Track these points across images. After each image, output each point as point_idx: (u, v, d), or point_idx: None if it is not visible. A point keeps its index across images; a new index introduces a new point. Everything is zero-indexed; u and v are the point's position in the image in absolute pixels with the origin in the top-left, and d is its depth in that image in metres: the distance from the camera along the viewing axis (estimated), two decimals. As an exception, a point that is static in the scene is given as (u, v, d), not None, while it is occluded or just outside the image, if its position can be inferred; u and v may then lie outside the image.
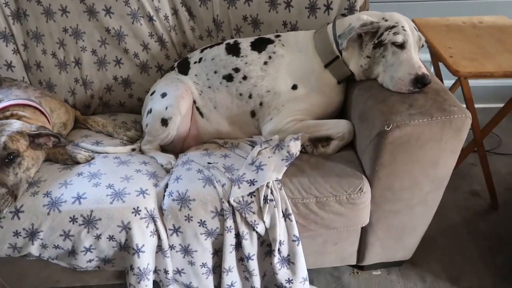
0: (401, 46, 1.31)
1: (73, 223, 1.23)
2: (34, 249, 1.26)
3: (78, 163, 1.42)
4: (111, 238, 1.25)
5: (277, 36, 1.56)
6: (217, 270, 1.39)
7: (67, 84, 1.82)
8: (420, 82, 1.25)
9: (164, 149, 1.62)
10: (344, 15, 1.60)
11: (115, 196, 1.26)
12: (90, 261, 1.30)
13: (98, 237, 1.24)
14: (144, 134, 1.62)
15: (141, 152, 1.60)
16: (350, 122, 1.41)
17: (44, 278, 1.48)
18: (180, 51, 1.82)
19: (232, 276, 1.36)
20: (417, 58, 1.31)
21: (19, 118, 1.39)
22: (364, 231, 1.42)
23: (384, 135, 1.18)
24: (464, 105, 1.46)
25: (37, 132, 1.33)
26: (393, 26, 1.32)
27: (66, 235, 1.24)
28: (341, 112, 1.54)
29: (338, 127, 1.40)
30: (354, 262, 1.54)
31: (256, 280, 1.37)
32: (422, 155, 1.22)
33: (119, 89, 1.84)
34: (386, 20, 1.34)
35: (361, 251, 1.49)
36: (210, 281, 1.39)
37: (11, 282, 1.49)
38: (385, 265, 1.60)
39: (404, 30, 1.31)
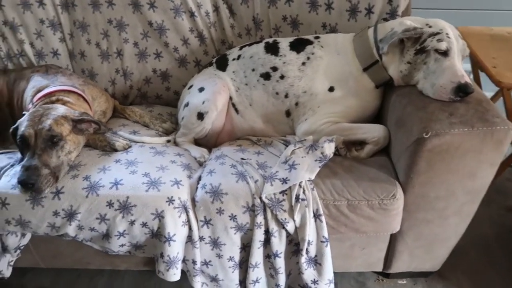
0: (445, 53, 1.29)
1: (109, 208, 1.28)
2: (71, 230, 1.31)
3: (116, 150, 1.46)
4: (144, 224, 1.29)
5: (316, 37, 1.56)
6: (244, 265, 1.40)
7: (108, 74, 1.88)
8: (462, 91, 1.23)
9: (197, 142, 1.65)
10: (385, 19, 1.58)
11: (151, 184, 1.30)
12: (122, 245, 1.34)
13: (132, 223, 1.28)
14: (179, 126, 1.66)
15: (175, 144, 1.63)
16: (385, 127, 1.40)
17: (76, 259, 1.54)
18: (219, 48, 1.85)
19: (257, 272, 1.38)
20: (460, 67, 1.29)
21: (64, 103, 1.45)
22: (394, 238, 1.41)
23: (422, 143, 1.16)
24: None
25: (80, 117, 1.38)
26: (437, 33, 1.30)
27: (102, 219, 1.29)
28: (376, 117, 1.53)
29: (373, 132, 1.39)
30: (380, 269, 1.53)
31: (281, 278, 1.38)
32: (460, 165, 1.20)
33: (157, 82, 1.89)
34: (430, 27, 1.33)
35: (389, 258, 1.48)
36: (235, 275, 1.41)
37: (46, 259, 1.56)
38: (412, 275, 1.58)
39: (449, 37, 1.29)
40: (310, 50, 1.51)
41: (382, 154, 1.41)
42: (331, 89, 1.47)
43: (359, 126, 1.42)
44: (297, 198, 1.24)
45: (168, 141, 1.62)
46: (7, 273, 1.50)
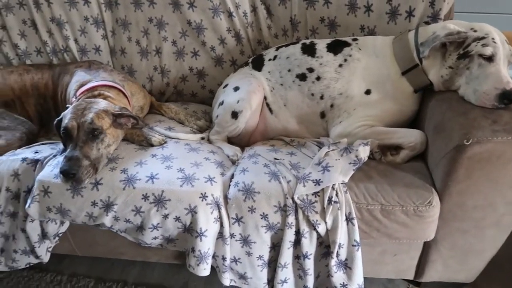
0: (489, 59, 1.25)
1: (144, 200, 1.31)
2: (107, 220, 1.36)
3: (152, 145, 1.50)
4: (177, 219, 1.32)
5: (354, 39, 1.55)
6: (272, 264, 1.41)
7: (146, 71, 1.93)
8: (507, 97, 1.18)
9: (230, 141, 1.67)
10: (427, 23, 1.55)
11: (185, 180, 1.33)
12: (155, 238, 1.38)
13: (165, 216, 1.31)
14: (213, 124, 1.68)
15: (209, 141, 1.66)
16: (423, 132, 1.37)
17: (110, 249, 1.59)
18: (255, 48, 1.86)
19: (286, 272, 1.38)
20: (506, 73, 1.24)
21: (105, 98, 1.50)
22: (427, 246, 1.37)
23: (462, 150, 1.13)
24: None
25: (120, 112, 1.43)
26: (482, 38, 1.26)
27: (137, 211, 1.32)
28: (413, 122, 1.50)
29: (410, 137, 1.36)
30: (411, 277, 1.50)
31: (310, 280, 1.37)
32: (502, 175, 1.16)
33: (193, 80, 1.93)
34: (475, 31, 1.29)
35: (421, 266, 1.44)
36: (264, 274, 1.42)
37: (82, 247, 1.62)
38: (444, 285, 1.53)
39: (494, 42, 1.25)
40: (347, 52, 1.50)
41: (418, 160, 1.38)
42: (367, 92, 1.45)
43: (396, 130, 1.39)
44: (330, 200, 1.24)
45: (202, 138, 1.65)
46: (46, 258, 1.57)
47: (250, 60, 1.72)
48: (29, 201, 1.38)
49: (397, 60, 1.43)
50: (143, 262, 1.72)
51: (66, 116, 1.38)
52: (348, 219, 1.25)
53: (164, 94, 1.98)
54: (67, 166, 1.28)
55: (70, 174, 1.28)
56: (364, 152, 1.31)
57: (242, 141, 1.67)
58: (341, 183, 1.26)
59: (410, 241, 1.32)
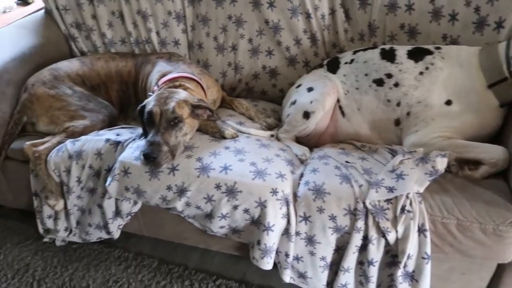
0: None
1: (217, 190, 1.36)
2: (179, 205, 1.42)
3: (224, 138, 1.56)
4: (246, 211, 1.35)
5: (437, 48, 1.51)
6: (334, 267, 1.41)
7: (221, 66, 2.00)
8: None
9: (298, 140, 1.69)
10: (519, 35, 1.48)
11: (257, 174, 1.36)
12: (222, 227, 1.43)
13: (235, 207, 1.36)
14: (283, 123, 1.71)
15: (277, 139, 1.68)
16: (506, 149, 1.31)
17: (176, 233, 1.66)
18: (329, 50, 1.87)
19: (347, 277, 1.37)
20: None
21: (185, 89, 1.57)
22: (501, 269, 1.31)
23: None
24: None
25: (198, 103, 1.49)
26: None
27: (209, 199, 1.38)
28: (495, 137, 1.43)
29: (491, 153, 1.31)
30: (478, 300, 1.44)
31: (371, 287, 1.36)
32: None
33: (265, 78, 1.97)
34: None
35: (491, 289, 1.38)
36: (324, 276, 1.42)
37: (150, 228, 1.71)
38: (513, 312, 1.46)
39: None
40: (429, 60, 1.46)
41: (498, 178, 1.32)
42: (448, 102, 1.41)
43: (477, 144, 1.34)
44: (403, 209, 1.22)
45: (272, 135, 1.68)
46: (116, 234, 1.68)
47: (325, 62, 1.73)
48: (109, 179, 1.48)
49: (483, 72, 1.38)
50: (204, 250, 1.78)
51: (150, 103, 1.46)
52: (421, 230, 1.22)
53: (235, 90, 2.04)
54: (149, 150, 1.36)
55: (151, 157, 1.36)
56: (441, 164, 1.28)
57: (310, 142, 1.68)
58: (416, 193, 1.24)
59: (484, 261, 1.27)
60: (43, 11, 2.16)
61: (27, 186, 1.75)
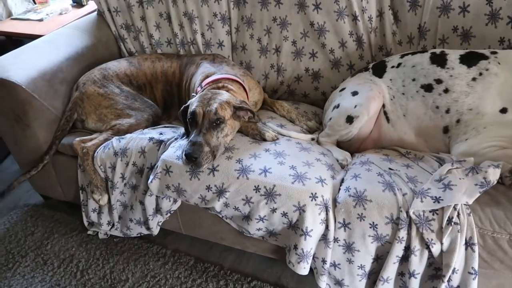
0: None
1: (256, 192, 1.36)
2: (218, 205, 1.43)
3: (265, 140, 1.55)
4: (284, 214, 1.34)
5: (493, 52, 1.42)
6: (372, 276, 1.37)
7: (263, 68, 2.00)
8: None
9: (340, 145, 1.66)
10: None
11: (297, 177, 1.35)
12: (259, 229, 1.42)
13: (273, 210, 1.35)
14: (324, 127, 1.68)
15: (318, 143, 1.66)
16: None
17: (212, 232, 1.67)
18: (375, 54, 1.82)
19: (386, 287, 1.33)
20: None
21: (228, 90, 1.58)
22: (556, 290, 1.22)
23: None
24: None
25: (240, 105, 1.50)
26: None
27: (247, 201, 1.38)
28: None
29: (550, 165, 1.22)
30: (529, 321, 1.34)
31: (412, 300, 1.30)
32: None
33: (307, 81, 1.95)
34: None
35: (544, 311, 1.29)
36: (362, 284, 1.38)
37: (187, 227, 1.73)
38: None
39: None
40: (484, 66, 1.39)
41: (556, 193, 1.23)
42: (503, 110, 1.33)
43: (534, 156, 1.26)
44: (450, 220, 1.16)
45: (312, 139, 1.65)
46: (156, 231, 1.71)
47: (371, 65, 1.68)
48: (151, 177, 1.52)
49: (544, 79, 1.28)
50: (239, 251, 1.79)
51: (193, 104, 1.48)
52: (468, 244, 1.16)
53: (277, 92, 2.03)
54: (191, 150, 1.38)
55: (192, 157, 1.38)
56: (494, 175, 1.20)
57: (352, 147, 1.64)
58: (465, 205, 1.18)
59: (538, 280, 1.18)
60: (95, 13, 2.26)
61: (74, 180, 1.83)
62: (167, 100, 1.95)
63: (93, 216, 1.82)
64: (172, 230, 1.81)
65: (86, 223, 1.89)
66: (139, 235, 1.80)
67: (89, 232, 1.92)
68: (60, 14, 2.64)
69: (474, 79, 1.39)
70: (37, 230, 1.99)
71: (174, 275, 1.71)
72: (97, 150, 1.69)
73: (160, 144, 1.60)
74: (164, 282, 1.68)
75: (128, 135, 1.68)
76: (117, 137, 1.69)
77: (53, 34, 2.06)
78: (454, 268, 1.18)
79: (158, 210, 1.64)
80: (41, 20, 2.58)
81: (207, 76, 1.69)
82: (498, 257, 1.16)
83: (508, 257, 1.15)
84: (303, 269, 1.36)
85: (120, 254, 1.82)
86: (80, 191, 1.82)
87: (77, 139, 1.72)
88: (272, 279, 1.67)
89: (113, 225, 1.82)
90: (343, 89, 1.66)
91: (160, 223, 1.71)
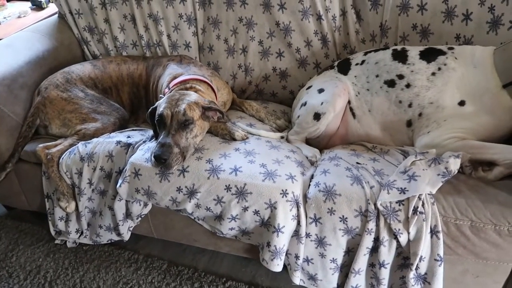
0: None
1: (227, 191, 1.36)
2: (189, 207, 1.42)
3: (234, 139, 1.55)
4: (256, 212, 1.35)
5: (450, 48, 1.48)
6: (344, 269, 1.40)
7: (231, 69, 2.00)
8: None
9: (308, 142, 1.68)
10: (534, 34, 1.45)
11: (267, 175, 1.36)
12: (231, 229, 1.42)
13: (245, 209, 1.35)
14: (293, 125, 1.70)
15: (287, 141, 1.68)
16: (522, 150, 1.28)
17: (185, 235, 1.66)
18: (340, 52, 1.86)
19: (358, 279, 1.36)
20: None
21: (196, 91, 1.58)
22: (516, 272, 1.28)
23: None
24: None
25: (209, 105, 1.49)
26: None
27: (219, 201, 1.38)
28: (509, 138, 1.41)
29: (506, 154, 1.28)
30: (492, 303, 1.40)
31: (383, 290, 1.34)
32: None
33: (275, 80, 1.97)
34: None
35: (505, 293, 1.35)
36: (335, 278, 1.40)
37: (159, 230, 1.71)
38: (529, 317, 1.42)
39: None
40: (442, 61, 1.45)
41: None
42: (461, 103, 1.39)
43: (491, 145, 1.32)
44: (415, 210, 1.20)
45: (282, 137, 1.67)
46: (127, 236, 1.68)
47: (336, 63, 1.72)
48: (120, 181, 1.49)
49: (498, 72, 1.35)
50: (212, 252, 1.79)
51: (161, 105, 1.47)
52: (433, 232, 1.20)
53: (245, 92, 2.04)
54: (160, 152, 1.36)
55: (162, 159, 1.36)
56: (454, 165, 1.25)
57: (320, 144, 1.67)
58: (428, 194, 1.22)
59: (498, 263, 1.24)
60: (56, 15, 2.20)
61: (39, 188, 1.77)
62: (134, 102, 1.92)
63: (60, 225, 1.76)
64: (143, 235, 1.78)
65: (53, 232, 1.83)
66: (109, 241, 1.77)
67: (56, 242, 1.86)
68: (19, 17, 2.55)
69: (433, 74, 1.44)
70: (1, 242, 1.91)
71: (147, 280, 1.68)
72: (62, 156, 1.65)
73: (128, 148, 1.57)
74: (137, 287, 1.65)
75: (94, 140, 1.64)
76: (83, 142, 1.65)
77: (12, 38, 1.99)
78: (421, 256, 1.22)
79: (128, 215, 1.61)
80: (-2, 23, 2.49)
81: (175, 77, 1.68)
82: (461, 243, 1.21)
83: (470, 243, 1.21)
84: (277, 266, 1.37)
85: (90, 262, 1.78)
86: (46, 199, 1.77)
87: (41, 145, 1.67)
88: (246, 279, 1.68)
89: (82, 232, 1.77)
90: (309, 87, 1.69)
91: (131, 228, 1.68)
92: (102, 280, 1.69)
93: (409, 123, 1.49)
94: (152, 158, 1.39)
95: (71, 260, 1.79)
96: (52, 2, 2.72)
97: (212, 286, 1.63)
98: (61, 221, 1.76)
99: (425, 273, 1.25)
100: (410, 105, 1.47)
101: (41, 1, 2.62)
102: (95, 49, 2.14)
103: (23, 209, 2.00)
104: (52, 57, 1.99)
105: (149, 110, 1.54)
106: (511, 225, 1.15)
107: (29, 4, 2.71)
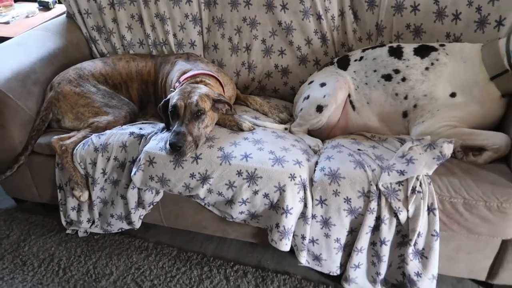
0: None
1: (238, 176, 1.46)
2: (201, 192, 1.51)
3: (242, 130, 1.65)
4: (266, 195, 1.45)
5: (442, 45, 1.61)
6: (347, 249, 1.50)
7: (235, 66, 2.10)
8: None
9: (310, 133, 1.79)
10: (517, 32, 1.59)
11: (276, 161, 1.46)
12: (241, 212, 1.52)
13: (255, 192, 1.45)
14: (295, 117, 1.81)
15: (290, 133, 1.78)
16: (508, 136, 1.41)
17: (194, 222, 1.74)
18: (338, 50, 1.98)
19: (360, 257, 1.46)
20: None
21: (205, 84, 1.67)
22: (504, 246, 1.39)
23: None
24: None
25: (218, 98, 1.59)
26: None
27: (230, 185, 1.47)
28: (497, 126, 1.53)
29: (494, 139, 1.41)
30: (483, 278, 1.51)
31: (383, 267, 1.45)
32: None
33: (277, 76, 2.07)
34: None
35: (495, 267, 1.46)
36: (338, 257, 1.51)
37: (169, 219, 1.79)
38: (517, 291, 1.54)
39: None
40: (434, 57, 1.57)
41: (500, 163, 1.42)
42: (452, 95, 1.51)
43: (480, 132, 1.44)
44: (413, 190, 1.31)
45: (286, 129, 1.78)
46: (138, 224, 1.76)
47: (335, 60, 1.83)
48: (134, 169, 1.58)
49: (485, 66, 1.48)
50: (219, 239, 1.87)
51: (174, 97, 1.56)
52: (430, 209, 1.32)
53: (248, 88, 2.14)
54: (175, 139, 1.45)
55: (177, 146, 1.45)
56: (448, 149, 1.37)
57: (322, 135, 1.77)
58: (425, 175, 1.34)
59: (489, 238, 1.36)
60: (64, 15, 2.27)
61: (51, 180, 1.84)
62: (143, 98, 2.00)
63: (72, 215, 1.83)
64: (152, 224, 1.86)
65: (64, 223, 1.90)
66: (120, 230, 1.84)
67: (68, 231, 1.93)
68: (27, 17, 2.62)
69: (427, 68, 1.57)
70: (12, 233, 1.97)
71: (158, 265, 1.76)
72: (76, 147, 1.72)
73: (141, 138, 1.66)
74: (149, 272, 1.72)
75: (108, 131, 1.72)
76: (96, 134, 1.73)
77: (23, 36, 2.07)
78: (419, 232, 1.33)
79: (140, 203, 1.69)
80: (7, 23, 2.54)
81: (184, 73, 1.77)
82: (456, 219, 1.33)
83: (463, 219, 1.32)
84: (285, 245, 1.46)
85: (101, 250, 1.85)
86: (58, 190, 1.84)
87: (55, 137, 1.74)
88: (253, 262, 1.77)
89: (93, 222, 1.84)
90: (311, 82, 1.80)
91: (142, 217, 1.76)
92: (114, 266, 1.76)
93: (405, 114, 1.61)
94: (167, 146, 1.48)
95: (83, 249, 1.85)
96: (58, 3, 2.80)
97: (220, 270, 1.72)
98: (73, 211, 1.82)
99: (423, 248, 1.36)
100: (405, 97, 1.59)
101: (48, 2, 2.69)
102: (102, 47, 2.23)
103: (33, 202, 2.06)
104: (62, 55, 2.06)
105: (162, 102, 1.64)
106: (500, 201, 1.27)
107: (36, 4, 2.78)
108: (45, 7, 2.75)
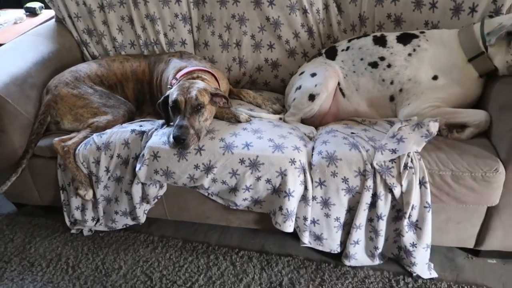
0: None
1: (241, 164, 1.54)
2: (206, 182, 1.59)
3: (239, 122, 1.73)
4: (268, 181, 1.53)
5: (422, 32, 1.73)
6: (346, 227, 1.60)
7: (226, 62, 2.18)
8: None
9: (303, 122, 1.88)
10: (491, 16, 1.70)
11: (276, 147, 1.55)
12: (245, 199, 1.60)
13: (258, 178, 1.53)
14: (288, 108, 1.90)
15: (285, 122, 1.87)
16: (487, 112, 1.53)
17: (198, 213, 1.81)
18: (324, 42, 2.08)
19: (359, 234, 1.56)
20: None
21: (202, 80, 1.75)
22: (489, 214, 1.52)
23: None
24: None
25: (215, 92, 1.67)
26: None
27: (234, 173, 1.55)
28: (476, 104, 1.66)
29: (475, 116, 1.53)
30: (471, 246, 1.63)
31: (381, 241, 1.55)
32: None
33: (267, 70, 2.16)
34: (538, 21, 1.45)
35: (481, 234, 1.58)
36: (338, 235, 1.61)
37: (173, 212, 1.86)
38: (502, 255, 1.66)
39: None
40: (416, 43, 1.68)
41: (482, 138, 1.54)
42: (435, 77, 1.63)
43: (462, 110, 1.56)
44: (406, 166, 1.42)
45: (280, 119, 1.86)
46: (142, 219, 1.82)
47: (323, 51, 1.93)
48: (139, 165, 1.64)
49: (463, 49, 1.60)
50: (222, 228, 1.95)
51: (174, 93, 1.62)
52: (422, 183, 1.43)
53: (240, 83, 2.22)
54: (179, 132, 1.52)
55: (181, 139, 1.52)
56: (434, 128, 1.49)
57: (314, 122, 1.87)
58: (415, 152, 1.45)
59: (475, 206, 1.48)
60: (53, 20, 2.30)
61: (52, 182, 1.88)
62: (139, 97, 2.06)
63: (77, 214, 1.87)
64: (155, 219, 1.92)
65: (68, 223, 1.94)
66: (124, 226, 1.89)
67: (72, 231, 1.97)
68: (15, 23, 2.63)
69: (410, 54, 1.68)
70: (16, 236, 2.00)
71: (166, 257, 1.82)
72: (77, 147, 1.76)
73: (143, 135, 1.71)
74: (157, 264, 1.79)
75: (108, 130, 1.77)
76: (97, 134, 1.78)
77: (16, 42, 2.09)
78: (413, 205, 1.44)
79: (144, 198, 1.75)
80: (-5, 30, 2.56)
81: (180, 70, 1.84)
82: (445, 190, 1.44)
83: (452, 190, 1.44)
84: (289, 226, 1.55)
85: (108, 246, 1.90)
86: (61, 191, 1.88)
87: (57, 139, 1.77)
88: (257, 248, 1.85)
89: (98, 220, 1.88)
90: (302, 72, 1.89)
91: (146, 211, 1.82)
92: (122, 260, 1.82)
93: (391, 98, 1.72)
94: (171, 140, 1.55)
95: (89, 246, 1.90)
96: (45, 9, 2.80)
97: (226, 257, 1.79)
98: (77, 210, 1.87)
99: (417, 220, 1.48)
100: (391, 83, 1.70)
101: (35, 8, 2.70)
102: (94, 50, 2.26)
103: (34, 205, 2.09)
104: (55, 58, 2.10)
105: (161, 99, 1.70)
106: (484, 171, 1.39)
107: (23, 11, 2.78)
108: (32, 13, 2.76)
